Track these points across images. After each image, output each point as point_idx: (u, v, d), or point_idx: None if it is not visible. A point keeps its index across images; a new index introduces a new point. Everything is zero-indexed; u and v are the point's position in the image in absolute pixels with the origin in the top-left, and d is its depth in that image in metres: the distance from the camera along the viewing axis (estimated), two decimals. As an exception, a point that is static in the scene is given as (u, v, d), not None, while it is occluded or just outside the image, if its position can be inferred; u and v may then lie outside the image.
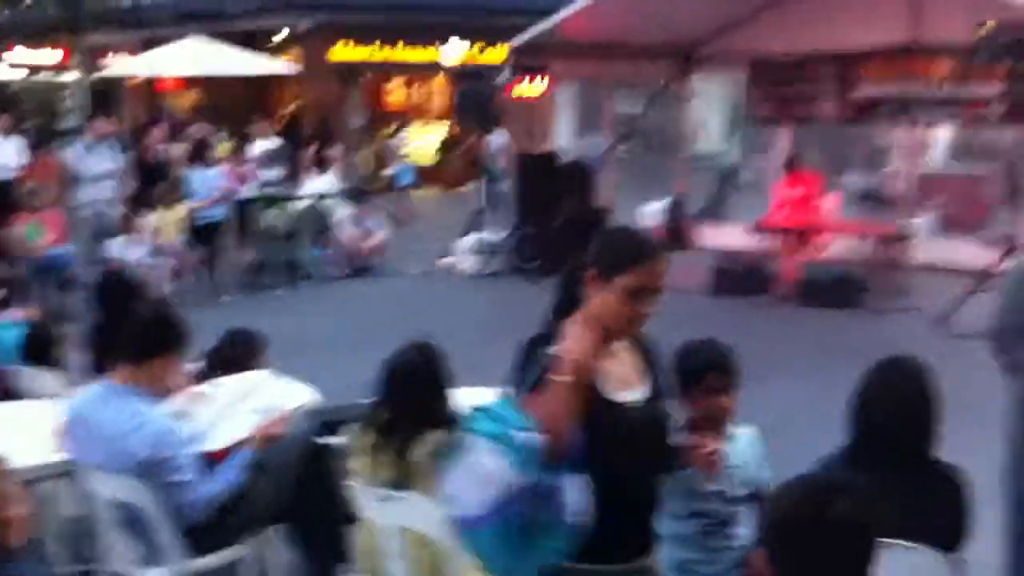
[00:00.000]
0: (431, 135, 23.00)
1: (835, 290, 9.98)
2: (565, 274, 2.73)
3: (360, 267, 12.48)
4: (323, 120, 19.26)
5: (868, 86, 11.81)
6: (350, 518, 4.18)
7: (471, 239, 12.49)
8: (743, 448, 3.50)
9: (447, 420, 3.64)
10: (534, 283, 11.43)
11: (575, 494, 2.47)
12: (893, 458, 2.91)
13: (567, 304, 2.64)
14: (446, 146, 21.32)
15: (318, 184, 13.61)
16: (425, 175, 19.47)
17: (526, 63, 11.84)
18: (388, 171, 17.47)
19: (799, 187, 11.26)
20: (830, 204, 11.62)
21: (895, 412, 2.98)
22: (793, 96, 12.54)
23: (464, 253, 12.48)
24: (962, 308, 8.95)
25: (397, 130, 19.34)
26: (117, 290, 5.57)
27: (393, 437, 3.64)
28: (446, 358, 3.77)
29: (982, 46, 9.07)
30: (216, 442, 4.08)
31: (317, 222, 12.35)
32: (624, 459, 2.53)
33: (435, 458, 3.50)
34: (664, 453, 2.71)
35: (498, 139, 14.55)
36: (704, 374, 3.37)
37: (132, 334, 3.98)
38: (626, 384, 2.61)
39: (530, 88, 11.95)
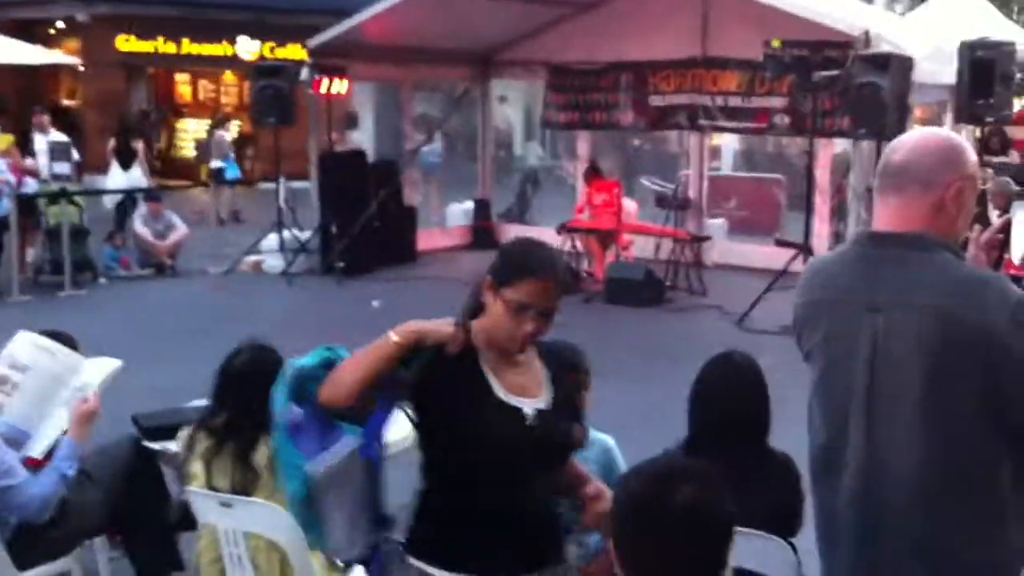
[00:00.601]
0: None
1: (639, 289, 10.31)
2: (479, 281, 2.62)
3: (157, 266, 11.94)
4: (123, 113, 18.34)
5: (661, 96, 12.32)
6: (184, 524, 4.00)
7: (275, 238, 12.16)
8: (595, 454, 3.55)
9: None
10: (340, 283, 11.29)
11: (336, 451, 2.55)
12: (730, 448, 3.02)
13: (474, 309, 2.60)
14: (239, 143, 20.68)
15: (119, 179, 12.98)
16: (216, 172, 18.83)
17: (325, 63, 11.72)
18: (214, 165, 16.72)
19: (601, 192, 11.59)
20: (629, 207, 12.02)
21: (730, 404, 3.12)
22: (590, 104, 12.94)
23: (269, 252, 12.14)
24: (757, 306, 9.44)
25: (221, 123, 18.63)
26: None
27: (232, 441, 3.53)
28: (282, 359, 3.65)
29: (770, 62, 9.61)
30: (39, 448, 3.82)
31: (113, 219, 11.75)
32: (489, 461, 2.46)
33: (274, 463, 3.39)
34: (541, 465, 2.52)
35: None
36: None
37: None
38: (524, 392, 2.52)
39: (331, 86, 11.81)
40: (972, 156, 2.37)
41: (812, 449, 2.49)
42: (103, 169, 18.91)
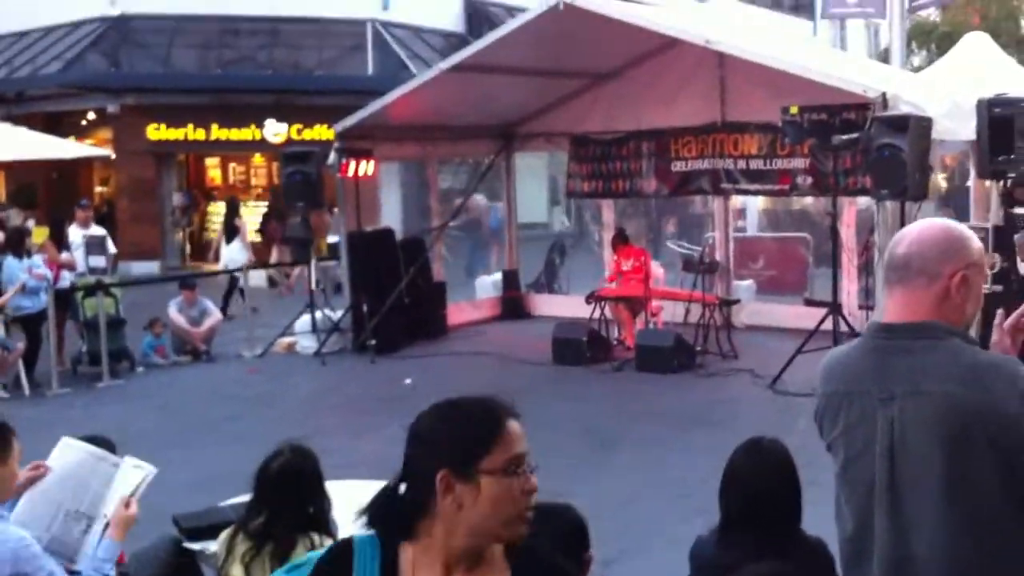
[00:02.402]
0: (252, 214, 22.69)
1: (670, 356, 10.32)
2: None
3: (193, 352, 12.09)
4: (232, 196, 18.98)
5: (683, 161, 12.44)
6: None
7: (308, 318, 12.30)
8: None
9: (324, 524, 3.61)
10: (372, 361, 11.37)
11: None
12: (761, 534, 3.04)
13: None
14: (266, 225, 21.01)
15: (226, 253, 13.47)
16: (254, 255, 19.15)
17: (352, 146, 11.95)
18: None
19: (629, 259, 11.67)
20: (657, 273, 12.08)
21: (760, 491, 3.13)
22: (613, 172, 13.07)
23: (302, 333, 12.28)
24: (789, 367, 9.42)
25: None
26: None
27: (270, 542, 3.56)
28: (319, 460, 3.71)
29: (789, 127, 9.70)
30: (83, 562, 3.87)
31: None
32: None
33: None
34: None
35: (327, 219, 14.60)
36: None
37: None
38: None
39: (358, 168, 12.01)
40: (975, 244, 2.42)
41: (841, 540, 2.51)
42: (137, 256, 19.31)
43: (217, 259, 14.29)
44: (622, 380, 10.30)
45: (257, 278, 15.29)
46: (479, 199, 15.67)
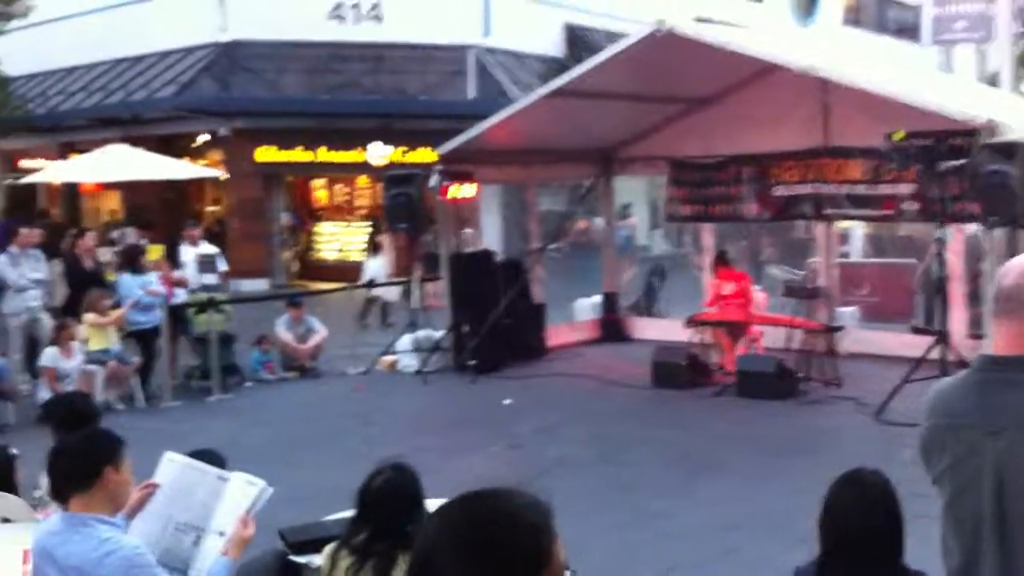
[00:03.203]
0: (357, 234, 23.18)
1: (771, 381, 10.23)
2: None
3: (300, 368, 12.41)
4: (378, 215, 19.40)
5: (785, 186, 12.34)
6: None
7: (410, 338, 12.53)
8: None
9: None
10: (473, 381, 11.52)
11: None
12: (862, 568, 3.03)
13: None
14: (372, 246, 21.42)
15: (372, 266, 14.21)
16: (357, 275, 19.55)
17: (453, 169, 12.17)
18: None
19: (730, 282, 11.62)
20: (758, 298, 11.99)
21: (861, 525, 3.10)
22: (713, 196, 13.03)
23: (404, 352, 12.51)
24: (895, 397, 9.26)
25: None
26: (67, 414, 5.48)
27: (372, 558, 3.65)
28: (419, 479, 3.81)
29: (894, 154, 9.58)
30: (199, 573, 4.03)
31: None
32: None
33: None
34: None
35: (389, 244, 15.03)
36: None
37: (71, 461, 3.95)
38: None
39: (459, 191, 12.22)
40: None
41: (947, 573, 2.52)
42: (246, 275, 19.85)
43: (360, 275, 14.64)
44: (721, 406, 10.25)
45: (392, 293, 15.66)
46: (597, 221, 15.75)
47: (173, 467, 4.28)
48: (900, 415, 8.89)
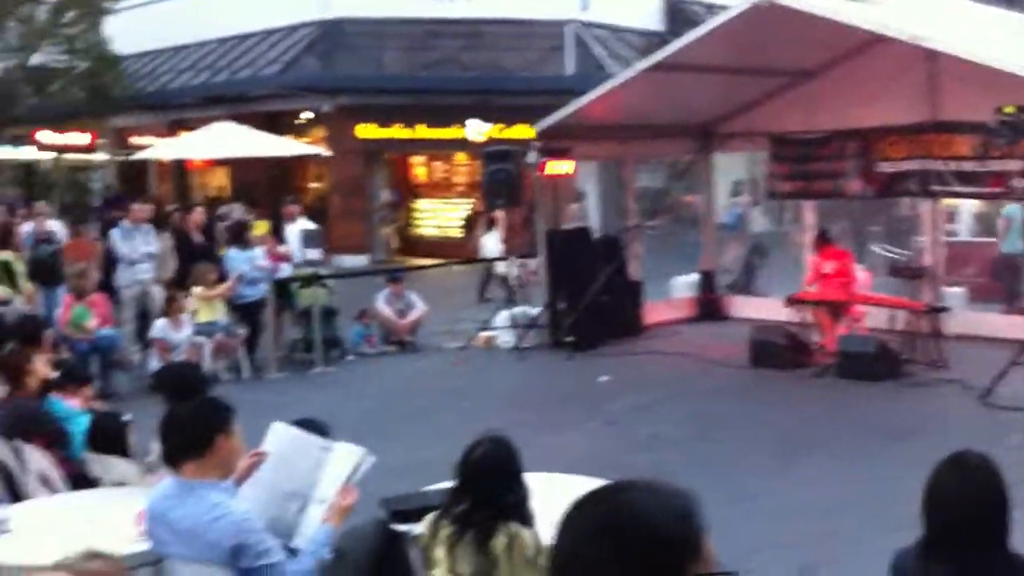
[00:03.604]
0: (455, 210, 23.38)
1: (873, 362, 10.04)
2: None
3: (399, 343, 12.62)
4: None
5: (890, 162, 12.05)
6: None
7: (507, 314, 12.63)
8: None
9: (523, 513, 3.75)
10: (569, 357, 11.57)
11: None
12: (966, 553, 2.98)
13: None
14: (470, 222, 21.59)
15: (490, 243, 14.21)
16: (455, 250, 19.74)
17: (551, 145, 12.16)
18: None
19: (831, 261, 11.42)
20: (861, 277, 11.75)
21: (964, 510, 3.04)
22: (815, 172, 12.78)
23: (501, 328, 12.61)
24: (1004, 380, 9.01)
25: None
26: (178, 383, 5.70)
27: (471, 529, 3.72)
28: (519, 451, 3.86)
29: (1004, 128, 9.27)
30: (302, 540, 4.16)
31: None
32: None
33: (512, 551, 3.62)
34: None
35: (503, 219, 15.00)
36: None
37: (184, 430, 4.07)
38: None
39: (556, 167, 12.23)
40: None
41: None
42: (346, 250, 20.22)
43: (477, 249, 14.80)
44: (821, 387, 10.10)
45: (512, 268, 15.69)
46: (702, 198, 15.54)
47: (280, 436, 4.43)
48: (1008, 399, 8.68)
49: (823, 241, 11.83)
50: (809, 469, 7.60)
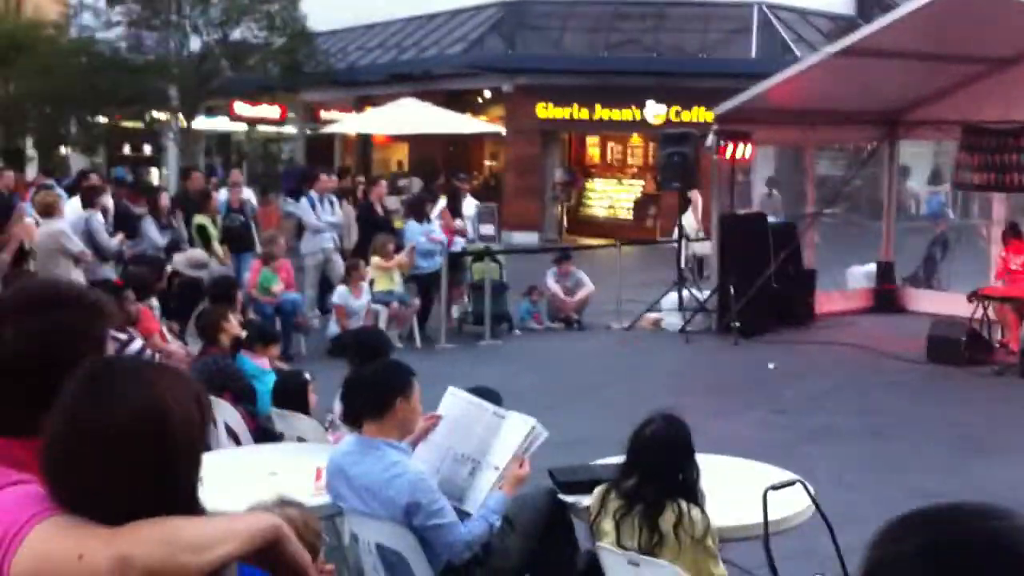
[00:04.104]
0: (627, 191, 23.39)
1: (1061, 365, 9.58)
2: None
3: (565, 320, 12.77)
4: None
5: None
6: (589, 575, 4.37)
7: (675, 296, 12.59)
8: None
9: (692, 492, 3.78)
10: (736, 343, 11.46)
11: None
12: None
13: None
14: (642, 203, 21.57)
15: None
16: (625, 231, 19.78)
17: (730, 129, 12.01)
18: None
19: (1020, 256, 10.92)
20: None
21: None
22: (1008, 164, 12.19)
23: (668, 310, 12.59)
24: None
25: None
26: (362, 347, 5.98)
27: (640, 503, 3.77)
28: (690, 430, 3.89)
29: None
30: (472, 504, 4.33)
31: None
32: None
33: (680, 528, 3.65)
34: None
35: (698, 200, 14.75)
36: None
37: (366, 391, 4.28)
38: None
39: (734, 152, 12.07)
40: None
41: None
42: (518, 227, 20.51)
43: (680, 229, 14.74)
44: (1003, 386, 9.70)
45: (706, 248, 15.45)
46: (910, 185, 15.07)
47: (455, 401, 4.61)
48: None
49: (1013, 235, 11.31)
50: (988, 471, 7.31)
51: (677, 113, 20.65)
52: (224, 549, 1.63)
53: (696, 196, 14.86)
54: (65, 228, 9.47)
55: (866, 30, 11.44)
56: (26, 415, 1.71)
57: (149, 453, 1.61)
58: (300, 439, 5.64)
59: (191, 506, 1.68)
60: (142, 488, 1.61)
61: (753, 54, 20.62)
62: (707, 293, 12.41)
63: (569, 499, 4.45)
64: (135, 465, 1.60)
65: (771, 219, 13.49)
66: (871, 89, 12.33)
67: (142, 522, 1.59)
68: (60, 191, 12.15)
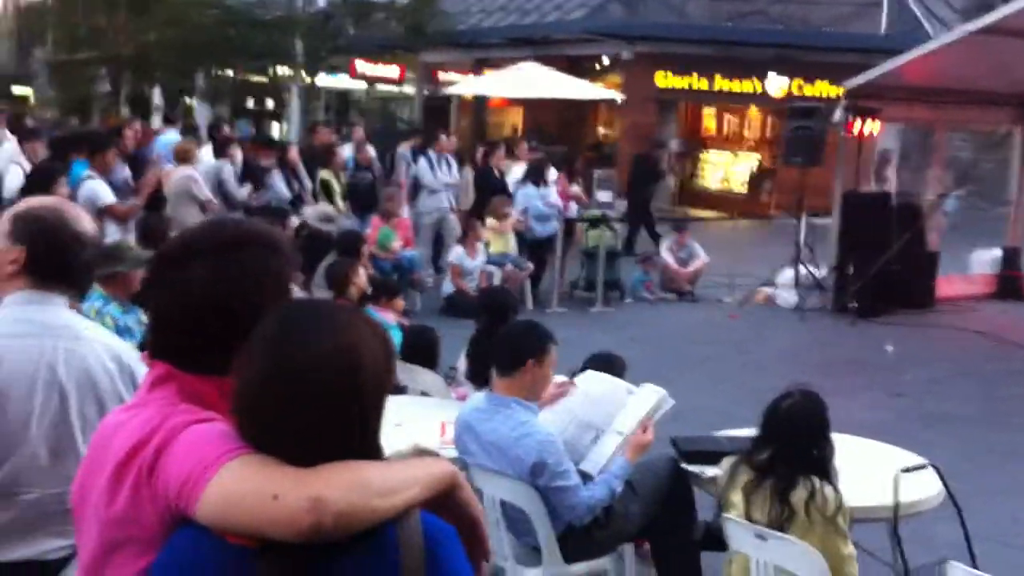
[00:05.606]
0: (742, 164, 23.05)
1: None
2: None
3: (678, 291, 12.72)
4: None
5: None
6: (705, 544, 4.39)
7: (791, 272, 12.42)
8: None
9: (826, 469, 3.74)
10: (852, 323, 11.26)
11: None
12: None
13: None
14: (757, 177, 21.25)
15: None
16: (738, 205, 19.53)
17: (860, 104, 11.73)
18: None
19: None
20: None
21: None
22: None
23: (783, 286, 12.43)
24: None
25: None
26: (495, 305, 6.07)
27: (771, 477, 3.74)
28: (827, 407, 3.85)
29: None
30: (593, 466, 4.35)
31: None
32: None
33: (811, 505, 3.63)
34: None
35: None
36: None
37: (504, 347, 4.33)
38: None
39: (862, 128, 11.80)
40: None
41: None
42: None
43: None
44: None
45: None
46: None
47: (593, 377, 4.67)
48: None
49: None
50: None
51: (799, 87, 20.22)
52: (410, 494, 1.64)
53: None
54: (194, 174, 9.80)
55: (1007, 9, 11.01)
56: (215, 354, 1.73)
57: (342, 395, 1.62)
58: (424, 393, 5.77)
59: (374, 450, 1.69)
60: (332, 429, 1.62)
61: (883, 29, 20.03)
62: (824, 271, 12.21)
63: (692, 468, 4.45)
64: (328, 406, 1.61)
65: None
66: (1008, 70, 11.89)
67: (333, 465, 1.59)
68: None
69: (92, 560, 1.74)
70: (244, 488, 1.56)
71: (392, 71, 26.29)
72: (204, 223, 2.12)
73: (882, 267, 11.56)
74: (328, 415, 1.61)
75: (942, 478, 4.10)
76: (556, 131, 22.84)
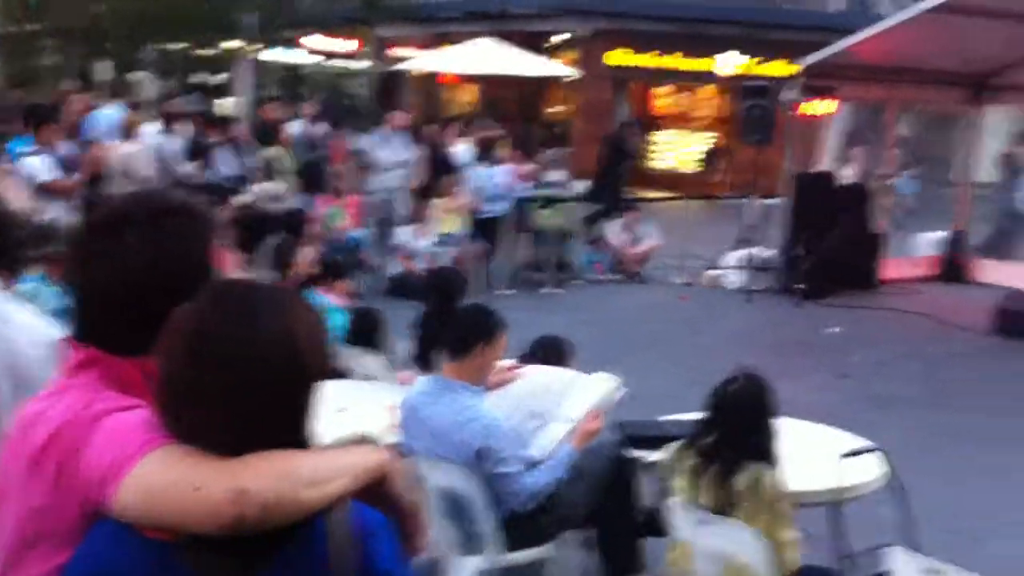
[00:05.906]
0: (694, 144, 23.07)
1: None
2: None
3: (626, 272, 12.71)
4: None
5: None
6: (647, 530, 4.38)
7: (739, 254, 12.46)
8: None
9: (769, 454, 3.72)
10: (798, 304, 11.32)
11: None
12: None
13: None
14: (710, 157, 21.28)
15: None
16: (691, 185, 19.56)
17: (814, 83, 11.73)
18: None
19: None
20: None
21: None
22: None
23: (731, 268, 12.47)
24: None
25: None
26: (444, 286, 6.00)
27: (716, 462, 3.71)
28: (774, 391, 3.82)
29: None
30: (538, 453, 4.32)
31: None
32: None
33: (755, 490, 3.61)
34: None
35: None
36: None
37: (453, 330, 4.28)
38: None
39: (813, 108, 11.82)
40: None
41: None
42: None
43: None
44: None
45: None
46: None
47: (543, 368, 4.62)
48: None
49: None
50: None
51: (757, 64, 20.23)
52: (340, 483, 1.58)
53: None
54: (134, 151, 9.60)
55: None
56: (144, 332, 1.61)
57: (276, 383, 1.54)
58: (367, 377, 5.70)
59: (305, 439, 1.61)
60: (262, 418, 1.54)
61: (836, 7, 20.13)
62: (771, 252, 12.25)
63: (637, 453, 4.43)
64: (259, 394, 1.52)
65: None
66: (962, 49, 11.89)
67: (259, 455, 1.52)
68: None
69: (9, 554, 1.67)
70: (165, 479, 1.50)
71: (348, 45, 25.93)
72: (128, 193, 1.98)
73: (828, 248, 11.62)
74: (258, 403, 1.53)
75: (890, 463, 4.10)
76: (513, 108, 22.70)
